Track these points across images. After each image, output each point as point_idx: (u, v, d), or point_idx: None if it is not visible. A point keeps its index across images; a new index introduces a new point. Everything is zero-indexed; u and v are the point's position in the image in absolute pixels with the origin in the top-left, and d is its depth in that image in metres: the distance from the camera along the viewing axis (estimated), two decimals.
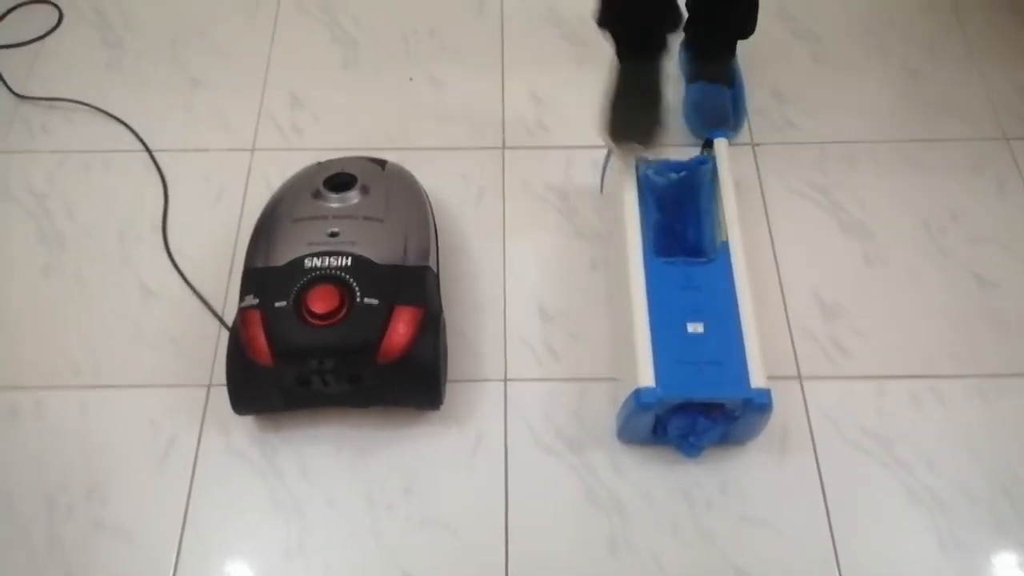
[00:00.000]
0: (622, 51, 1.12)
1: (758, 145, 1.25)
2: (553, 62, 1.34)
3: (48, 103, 1.30)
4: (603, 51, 1.33)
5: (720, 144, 1.07)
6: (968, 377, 1.05)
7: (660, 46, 1.11)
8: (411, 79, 1.32)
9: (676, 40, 1.15)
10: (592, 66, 1.32)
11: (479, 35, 1.37)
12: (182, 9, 1.41)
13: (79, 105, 1.29)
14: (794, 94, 1.30)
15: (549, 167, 1.23)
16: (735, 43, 1.25)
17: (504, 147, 1.25)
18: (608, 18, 1.10)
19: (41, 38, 1.38)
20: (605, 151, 1.14)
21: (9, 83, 1.32)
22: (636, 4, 1.09)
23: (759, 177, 1.21)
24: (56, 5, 1.42)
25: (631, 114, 1.06)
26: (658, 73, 1.10)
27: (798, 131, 1.26)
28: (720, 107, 1.22)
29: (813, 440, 1.00)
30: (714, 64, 1.25)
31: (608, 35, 1.12)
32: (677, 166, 1.07)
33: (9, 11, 1.41)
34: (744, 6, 1.19)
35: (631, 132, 1.04)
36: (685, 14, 1.14)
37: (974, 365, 1.06)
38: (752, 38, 1.23)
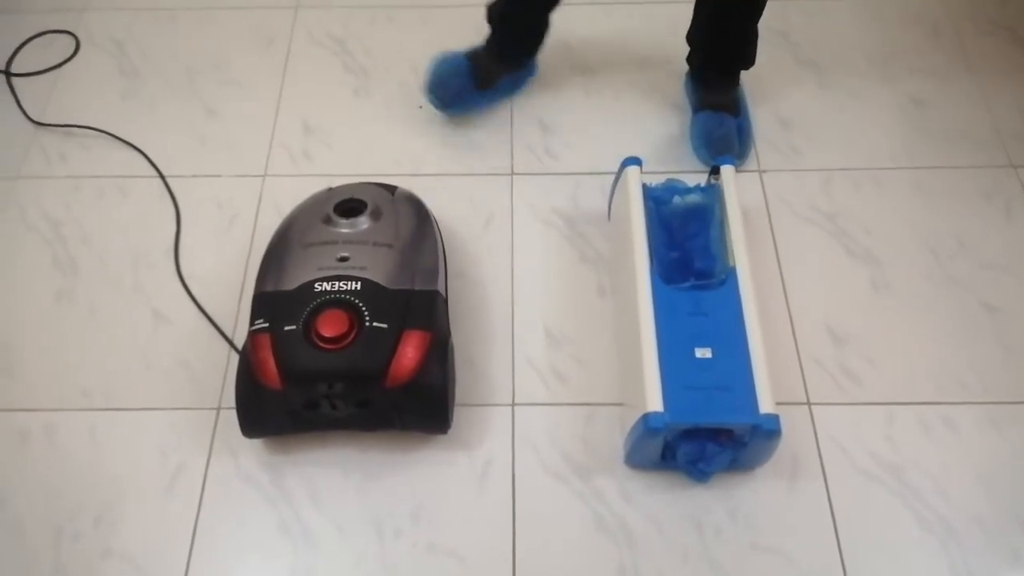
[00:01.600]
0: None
1: (765, 172, 1.26)
2: (561, 90, 1.35)
3: (65, 130, 1.32)
4: (611, 81, 1.36)
5: (727, 171, 1.08)
6: (978, 404, 1.04)
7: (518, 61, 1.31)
8: (420, 107, 1.33)
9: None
10: (599, 95, 1.35)
11: None
12: (197, 40, 1.44)
13: (95, 132, 1.31)
14: (800, 121, 1.31)
15: (557, 193, 1.24)
16: (737, 73, 1.27)
17: (512, 173, 1.26)
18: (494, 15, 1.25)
19: (59, 66, 1.41)
20: (613, 177, 1.15)
21: (27, 110, 1.34)
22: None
23: (766, 203, 1.22)
24: (74, 35, 1.45)
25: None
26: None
27: (805, 158, 1.27)
28: (725, 135, 1.23)
29: (823, 466, 1.00)
30: (717, 93, 1.26)
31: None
32: (684, 190, 1.08)
33: (28, 40, 1.44)
34: (737, 38, 1.21)
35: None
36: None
37: (983, 392, 1.05)
38: (758, 67, 1.25)
